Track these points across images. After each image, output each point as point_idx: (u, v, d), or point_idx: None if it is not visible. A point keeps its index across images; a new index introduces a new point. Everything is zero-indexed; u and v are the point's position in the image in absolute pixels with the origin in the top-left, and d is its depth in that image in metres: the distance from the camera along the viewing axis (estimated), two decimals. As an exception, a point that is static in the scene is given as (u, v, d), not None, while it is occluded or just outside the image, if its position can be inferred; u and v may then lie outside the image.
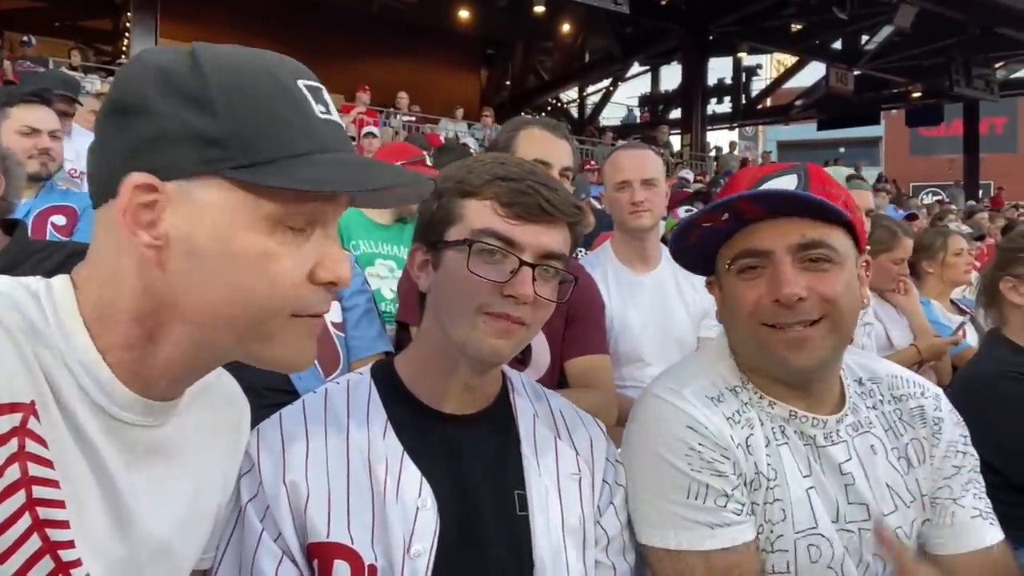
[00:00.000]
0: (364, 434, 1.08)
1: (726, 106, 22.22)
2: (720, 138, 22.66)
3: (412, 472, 1.07)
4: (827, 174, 1.18)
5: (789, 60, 21.29)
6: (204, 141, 0.73)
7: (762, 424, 1.20)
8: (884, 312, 3.25)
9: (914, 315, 3.24)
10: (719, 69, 21.47)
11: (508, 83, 22.02)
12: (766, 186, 1.14)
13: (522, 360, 2.03)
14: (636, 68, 22.52)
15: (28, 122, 2.81)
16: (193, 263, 0.75)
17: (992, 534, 1.24)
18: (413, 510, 1.04)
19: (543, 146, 2.01)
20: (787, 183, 1.14)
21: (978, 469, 1.28)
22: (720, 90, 21.87)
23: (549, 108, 23.65)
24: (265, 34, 17.73)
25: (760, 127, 30.67)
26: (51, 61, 11.05)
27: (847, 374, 1.28)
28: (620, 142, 14.51)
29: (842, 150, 28.58)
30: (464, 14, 18.56)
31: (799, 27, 17.51)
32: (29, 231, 2.59)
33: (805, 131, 27.85)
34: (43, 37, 15.02)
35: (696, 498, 1.14)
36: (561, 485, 1.15)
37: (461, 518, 1.07)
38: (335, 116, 0.81)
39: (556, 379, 2.05)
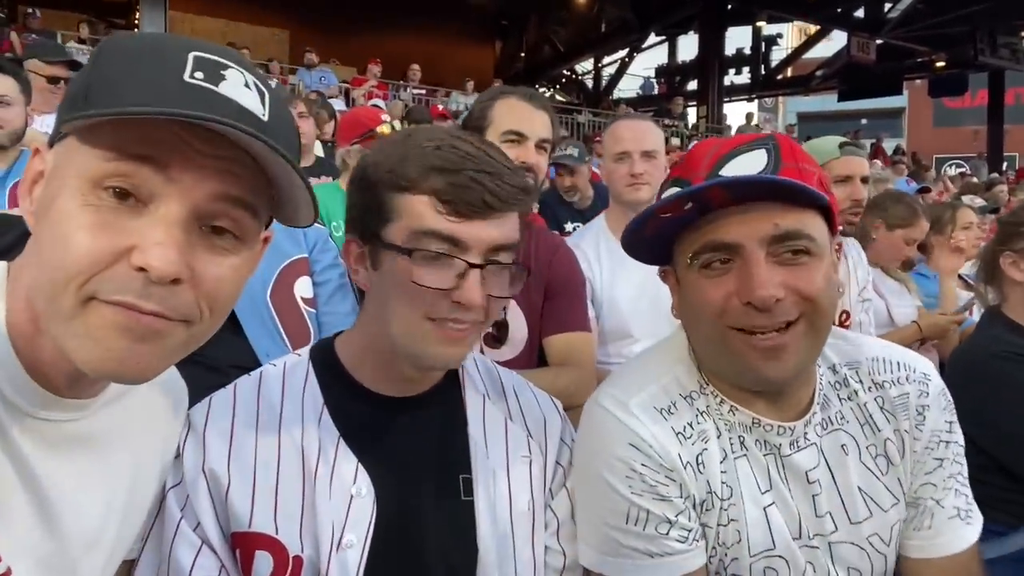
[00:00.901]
0: (298, 418, 1.04)
1: (745, 77, 21.79)
2: (739, 110, 22.31)
3: (348, 458, 1.02)
4: (798, 146, 1.05)
5: (811, 29, 20.82)
6: (69, 102, 0.73)
7: (719, 435, 1.10)
8: (886, 287, 3.17)
9: (947, 285, 3.25)
10: (738, 39, 21.08)
11: (523, 55, 21.76)
12: (732, 166, 1.00)
13: (498, 338, 1.99)
14: (653, 39, 22.13)
15: None
16: (36, 229, 0.73)
17: (968, 535, 1.14)
18: (347, 498, 1.00)
19: (519, 116, 1.94)
20: (755, 160, 1.00)
21: (962, 455, 1.18)
22: (739, 60, 21.41)
23: (564, 80, 23.39)
24: (275, 7, 17.68)
25: (780, 98, 30.14)
26: (60, 35, 11.00)
27: (820, 361, 1.14)
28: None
29: (864, 121, 28.00)
30: (478, -16, 18.31)
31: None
32: (5, 204, 2.57)
33: (826, 102, 27.38)
34: (56, 10, 15.04)
35: (635, 524, 1.06)
36: (510, 468, 1.11)
37: (400, 505, 1.03)
38: (214, 86, 0.72)
39: (534, 356, 2.01)
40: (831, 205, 1.03)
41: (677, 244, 1.07)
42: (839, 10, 17.62)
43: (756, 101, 24.37)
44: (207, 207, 0.73)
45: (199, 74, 0.71)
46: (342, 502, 0.99)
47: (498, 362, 1.96)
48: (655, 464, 1.07)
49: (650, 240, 1.07)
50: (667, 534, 1.06)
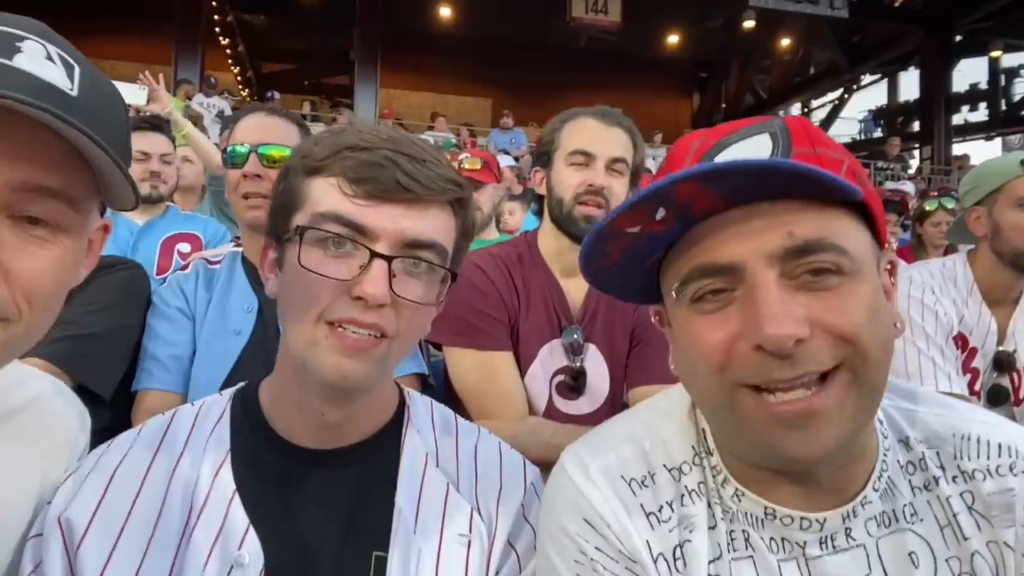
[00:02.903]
0: (195, 466, 0.90)
1: (982, 114, 19.47)
2: (978, 150, 19.90)
3: (238, 518, 0.87)
4: (817, 129, 0.77)
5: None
6: None
7: (713, 526, 0.82)
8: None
9: None
10: (972, 73, 18.98)
11: (723, 105, 21.19)
12: (724, 156, 0.74)
13: (574, 388, 1.77)
14: (870, 77, 20.56)
15: (140, 147, 2.95)
16: None
17: None
18: (225, 568, 0.84)
19: (587, 135, 1.75)
20: (755, 147, 0.74)
21: None
22: (973, 96, 19.24)
23: (768, 128, 22.40)
24: (478, 79, 18.85)
25: (1029, 136, 26.55)
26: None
27: (887, 430, 0.84)
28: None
29: None
30: (673, 39, 18.21)
31: (1071, 16, 14.92)
32: (156, 252, 2.78)
33: (1090, 137, 23.59)
34: (295, 95, 17.19)
35: None
36: (442, 549, 0.90)
37: None
38: (7, 59, 0.66)
39: (617, 411, 1.76)
40: (870, 202, 0.73)
41: (662, 276, 0.80)
42: (1098, 31, 15.27)
43: (999, 140, 21.69)
44: (5, 198, 0.66)
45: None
46: (218, 570, 0.83)
47: (574, 417, 1.76)
48: (612, 550, 0.81)
49: (624, 268, 0.80)
50: None
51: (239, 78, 19.48)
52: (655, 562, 0.81)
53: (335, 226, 0.84)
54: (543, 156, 1.80)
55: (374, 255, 0.83)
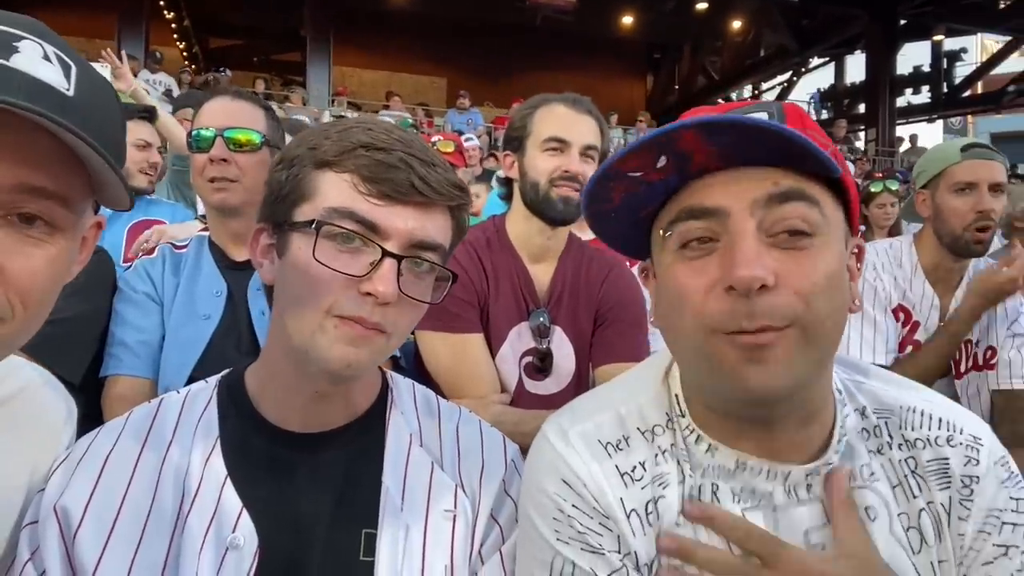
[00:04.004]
0: (185, 454, 0.92)
1: (925, 96, 20.05)
2: (921, 132, 20.49)
3: (231, 502, 0.89)
4: (807, 115, 0.86)
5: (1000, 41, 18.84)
6: None
7: (682, 481, 0.88)
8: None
9: None
10: (916, 56, 19.49)
11: (676, 87, 21.42)
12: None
13: (541, 368, 1.82)
14: (818, 59, 20.96)
15: (143, 136, 2.85)
16: None
17: None
18: (220, 551, 0.86)
19: (560, 122, 1.78)
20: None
21: None
22: (916, 79, 19.78)
23: (720, 110, 22.70)
24: (432, 58, 18.66)
25: (969, 118, 27.43)
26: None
27: (845, 399, 0.91)
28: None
29: (1073, 140, 24.73)
30: (627, 20, 18.29)
31: (1009, 3, 15.42)
32: (123, 239, 2.73)
33: (1025, 120, 24.50)
34: (245, 71, 16.78)
35: None
36: (429, 525, 0.93)
37: (289, 562, 0.89)
38: (5, 60, 0.66)
39: (583, 390, 1.81)
40: (848, 184, 0.81)
41: (654, 225, 0.86)
42: (1034, 17, 15.81)
43: (941, 122, 22.41)
44: (2, 198, 0.67)
45: None
46: (213, 555, 0.86)
47: (542, 397, 1.81)
48: (588, 507, 0.87)
49: (619, 216, 0.86)
50: None
51: (185, 53, 18.91)
52: (628, 517, 0.87)
53: (348, 222, 0.87)
54: (514, 141, 1.83)
55: (385, 253, 0.87)
